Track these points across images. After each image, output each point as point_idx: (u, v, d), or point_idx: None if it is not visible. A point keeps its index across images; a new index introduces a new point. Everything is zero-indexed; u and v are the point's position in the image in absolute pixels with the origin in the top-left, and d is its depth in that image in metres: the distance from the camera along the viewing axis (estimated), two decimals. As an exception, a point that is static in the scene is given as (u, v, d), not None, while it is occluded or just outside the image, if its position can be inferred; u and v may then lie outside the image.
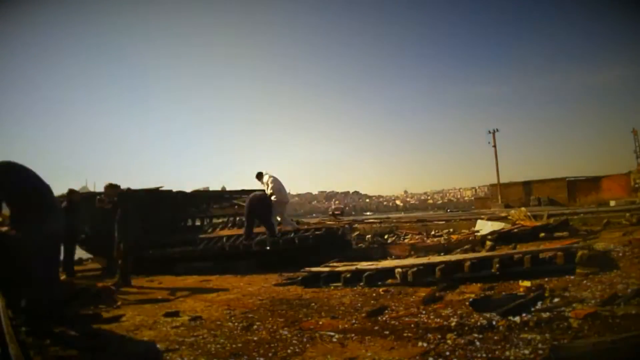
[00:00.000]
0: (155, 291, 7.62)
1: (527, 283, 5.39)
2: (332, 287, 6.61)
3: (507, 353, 3.20)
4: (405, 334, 4.05)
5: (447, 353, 3.37)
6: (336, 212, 30.17)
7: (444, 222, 17.04)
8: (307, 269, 7.38)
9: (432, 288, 5.76)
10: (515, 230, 11.22)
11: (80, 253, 13.73)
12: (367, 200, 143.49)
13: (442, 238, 13.16)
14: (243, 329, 4.58)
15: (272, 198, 10.41)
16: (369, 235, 14.82)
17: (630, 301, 4.12)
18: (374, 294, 5.96)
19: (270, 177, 10.71)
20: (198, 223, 12.81)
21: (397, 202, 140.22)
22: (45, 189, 4.66)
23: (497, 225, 14.98)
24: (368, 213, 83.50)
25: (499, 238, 10.44)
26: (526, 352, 3.18)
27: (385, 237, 14.39)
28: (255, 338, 4.20)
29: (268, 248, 9.70)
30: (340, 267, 7.30)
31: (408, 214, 43.71)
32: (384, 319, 4.65)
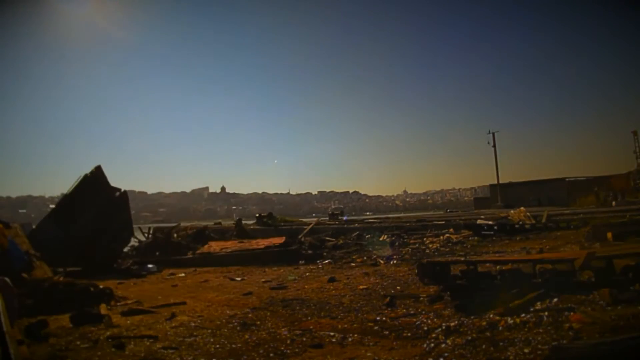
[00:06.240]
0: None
1: None
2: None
3: (507, 353, 3.19)
4: (405, 334, 4.05)
5: (447, 353, 3.36)
6: (336, 213, 30.08)
7: (443, 222, 17.03)
8: None
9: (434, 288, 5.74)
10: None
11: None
12: (367, 200, 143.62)
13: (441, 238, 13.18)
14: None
15: None
16: (369, 235, 14.85)
17: (630, 302, 4.11)
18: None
19: None
20: None
21: (397, 202, 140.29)
22: None
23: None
24: (368, 213, 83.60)
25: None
26: (526, 351, 3.17)
27: (383, 237, 14.32)
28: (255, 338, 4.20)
29: None
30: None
31: (407, 214, 43.73)
32: (384, 319, 4.64)
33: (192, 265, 11.18)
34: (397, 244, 13.03)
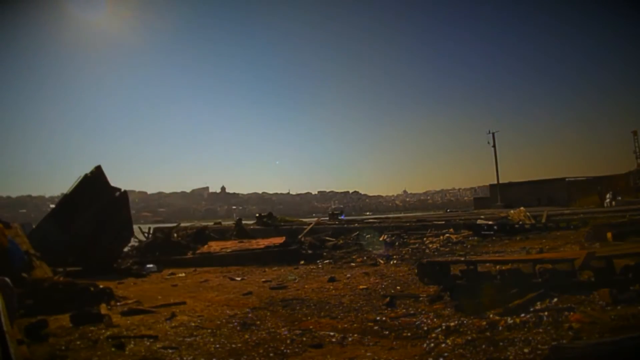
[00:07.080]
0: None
1: None
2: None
3: (507, 353, 3.19)
4: (405, 334, 4.05)
5: (447, 353, 3.36)
6: (335, 212, 30.08)
7: (443, 222, 17.02)
8: None
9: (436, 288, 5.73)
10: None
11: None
12: (367, 200, 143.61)
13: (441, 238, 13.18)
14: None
15: None
16: (368, 235, 14.85)
17: (630, 302, 4.11)
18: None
19: None
20: None
21: (397, 202, 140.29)
22: None
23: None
24: (368, 213, 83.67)
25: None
26: (526, 351, 3.17)
27: (383, 237, 14.32)
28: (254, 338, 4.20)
29: None
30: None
31: (407, 214, 43.75)
32: (384, 319, 4.64)
33: (192, 265, 11.18)
34: (397, 244, 13.03)
